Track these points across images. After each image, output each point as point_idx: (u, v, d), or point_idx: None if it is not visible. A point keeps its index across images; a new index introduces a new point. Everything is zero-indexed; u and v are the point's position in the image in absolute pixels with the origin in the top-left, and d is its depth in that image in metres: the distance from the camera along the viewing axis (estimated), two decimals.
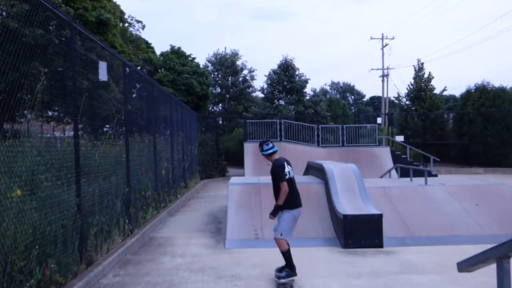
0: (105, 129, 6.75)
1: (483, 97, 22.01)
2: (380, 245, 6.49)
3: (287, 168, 5.18)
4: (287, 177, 5.10)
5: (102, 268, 5.20)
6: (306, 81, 25.12)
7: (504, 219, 7.32)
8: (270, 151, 5.30)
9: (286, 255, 5.08)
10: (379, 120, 25.76)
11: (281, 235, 5.07)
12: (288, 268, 5.07)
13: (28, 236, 3.89)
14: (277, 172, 5.13)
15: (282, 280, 4.98)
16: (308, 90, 31.67)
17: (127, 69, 7.58)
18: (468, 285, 4.77)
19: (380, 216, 6.62)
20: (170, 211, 9.68)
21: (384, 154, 18.20)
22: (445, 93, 30.99)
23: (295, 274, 5.06)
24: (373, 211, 6.86)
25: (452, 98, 40.94)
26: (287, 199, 5.05)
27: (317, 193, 8.08)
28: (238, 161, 20.87)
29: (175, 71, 22.32)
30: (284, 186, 5.02)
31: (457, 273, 3.28)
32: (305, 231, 7.14)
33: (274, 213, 5.14)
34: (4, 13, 6.99)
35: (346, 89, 67.64)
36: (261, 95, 27.83)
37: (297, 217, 5.19)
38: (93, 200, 5.47)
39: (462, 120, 22.59)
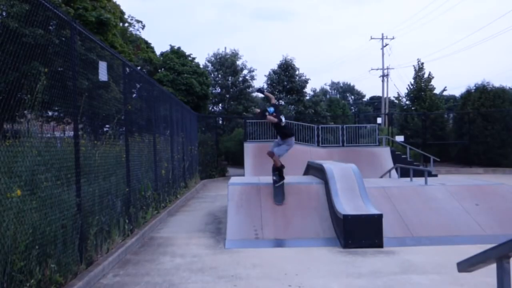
0: (105, 129, 6.73)
1: (483, 97, 21.99)
2: (380, 245, 6.49)
3: (283, 119, 8.27)
4: (282, 123, 8.08)
5: (102, 268, 5.20)
6: (306, 81, 25.14)
7: (504, 219, 7.32)
8: (272, 111, 8.27)
9: (280, 168, 8.12)
10: (379, 120, 25.79)
11: (278, 155, 8.12)
12: (279, 176, 8.12)
13: (28, 236, 3.88)
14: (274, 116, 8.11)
15: (275, 178, 8.07)
16: (308, 90, 31.72)
17: (127, 69, 7.57)
18: (468, 285, 4.76)
19: (380, 216, 6.62)
20: (170, 211, 9.68)
21: (384, 154, 18.19)
22: (445, 93, 31.03)
23: (283, 179, 8.14)
24: (373, 211, 6.86)
25: (452, 98, 40.94)
26: (284, 135, 8.19)
27: (317, 193, 8.08)
28: (238, 161, 20.87)
29: (175, 71, 22.30)
30: (271, 118, 8.02)
31: (457, 273, 3.28)
32: (305, 231, 7.15)
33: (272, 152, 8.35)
34: (4, 13, 6.99)
35: (346, 89, 67.62)
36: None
37: (290, 144, 8.30)
38: (93, 200, 5.47)
39: (462, 120, 22.58)
